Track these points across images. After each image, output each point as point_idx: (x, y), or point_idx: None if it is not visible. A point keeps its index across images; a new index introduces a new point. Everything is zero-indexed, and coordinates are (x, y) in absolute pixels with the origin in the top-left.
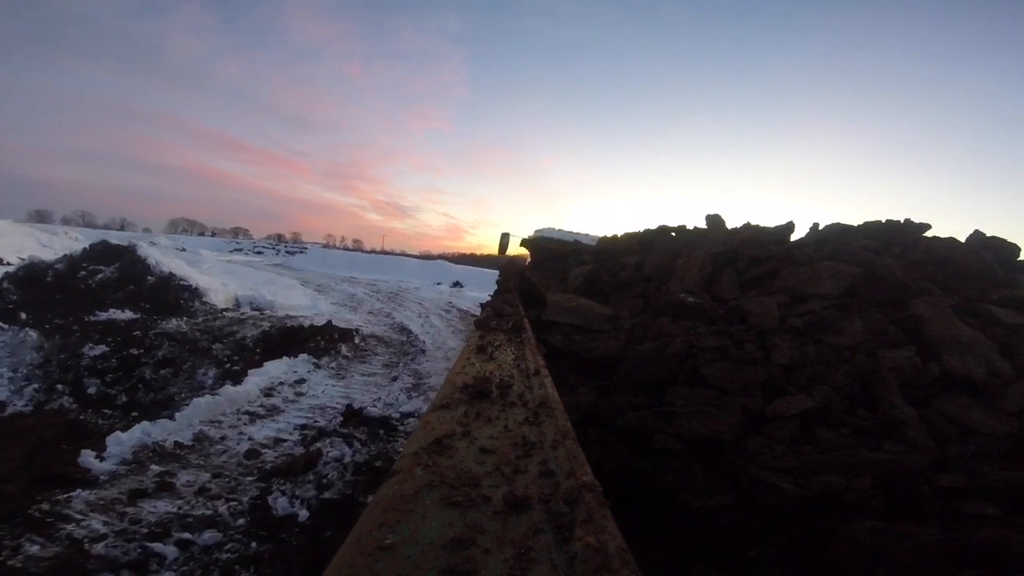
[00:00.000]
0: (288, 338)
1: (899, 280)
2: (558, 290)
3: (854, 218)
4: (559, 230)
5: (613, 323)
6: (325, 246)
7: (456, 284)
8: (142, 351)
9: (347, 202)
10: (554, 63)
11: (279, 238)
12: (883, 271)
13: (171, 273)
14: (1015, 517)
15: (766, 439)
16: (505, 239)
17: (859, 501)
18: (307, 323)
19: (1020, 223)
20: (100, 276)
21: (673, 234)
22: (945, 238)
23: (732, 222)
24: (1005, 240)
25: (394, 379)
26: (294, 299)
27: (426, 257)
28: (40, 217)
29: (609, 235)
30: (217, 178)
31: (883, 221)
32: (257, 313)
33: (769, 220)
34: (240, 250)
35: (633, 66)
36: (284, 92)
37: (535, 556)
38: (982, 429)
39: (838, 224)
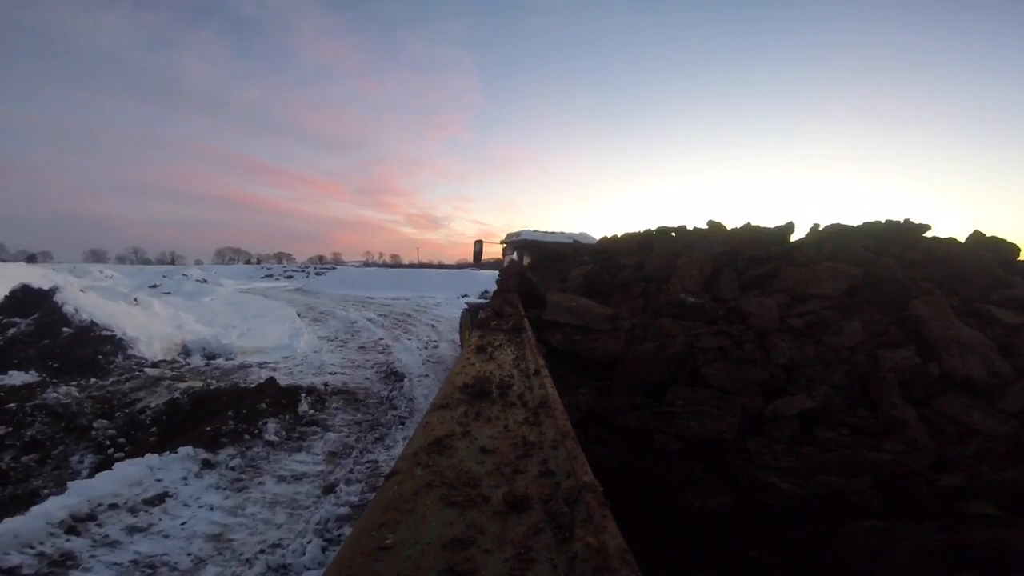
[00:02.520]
0: (202, 408)
1: (899, 280)
2: (558, 290)
3: (854, 218)
4: (537, 231)
5: (613, 323)
6: (365, 264)
7: (484, 294)
8: (10, 429)
9: (382, 218)
10: (564, 60)
11: (320, 259)
12: (883, 271)
13: (92, 322)
14: (1015, 517)
15: (766, 439)
16: (479, 246)
17: (859, 501)
18: (251, 380)
19: (1020, 223)
20: (13, 330)
21: (673, 234)
22: (945, 238)
23: (737, 222)
24: (1005, 240)
25: (329, 490)
26: (269, 338)
27: (461, 265)
28: (96, 256)
29: (608, 235)
30: (255, 204)
31: (883, 221)
32: (202, 364)
33: (769, 220)
34: (271, 275)
35: (638, 56)
36: (305, 114)
37: (535, 556)
38: (982, 429)
39: (838, 224)
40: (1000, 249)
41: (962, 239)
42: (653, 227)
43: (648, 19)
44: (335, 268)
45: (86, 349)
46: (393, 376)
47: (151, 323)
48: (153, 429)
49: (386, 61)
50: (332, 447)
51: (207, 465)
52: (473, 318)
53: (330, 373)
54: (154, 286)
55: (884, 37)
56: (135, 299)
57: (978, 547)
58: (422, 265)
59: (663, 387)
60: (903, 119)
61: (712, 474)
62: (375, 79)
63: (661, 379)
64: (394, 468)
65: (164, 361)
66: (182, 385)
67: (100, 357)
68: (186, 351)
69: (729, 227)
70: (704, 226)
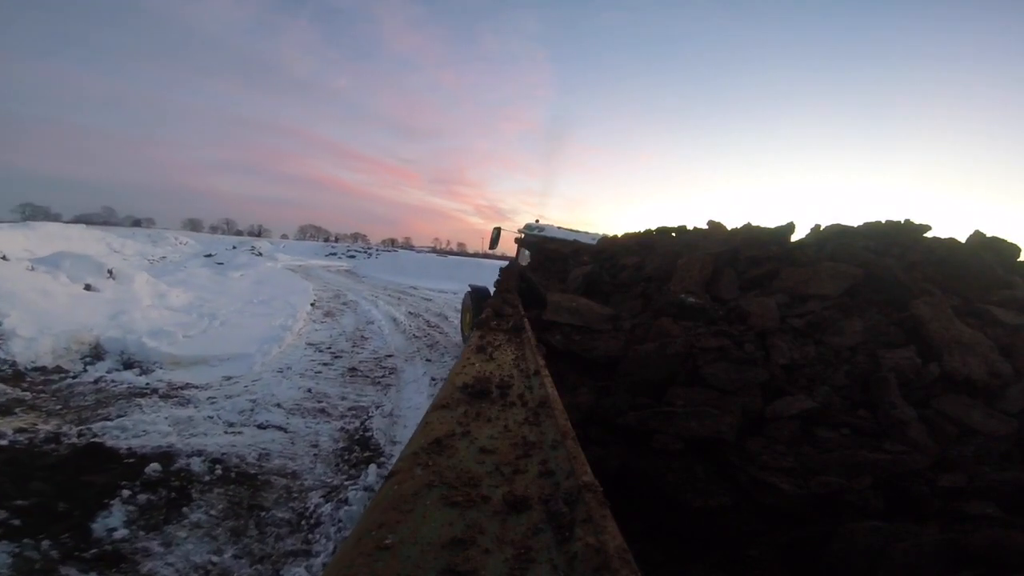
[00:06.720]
0: None
1: (899, 281)
2: (558, 290)
3: (855, 218)
4: (556, 227)
5: (613, 323)
6: (432, 250)
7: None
8: None
9: (452, 207)
10: (639, 58)
11: (392, 242)
12: (883, 272)
13: None
14: (1015, 517)
15: (766, 439)
16: (497, 232)
17: (859, 501)
18: (104, 430)
19: (1020, 223)
20: None
21: (673, 235)
22: (945, 238)
23: (737, 222)
24: (1005, 240)
25: None
26: (234, 342)
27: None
28: (192, 225)
29: (611, 234)
30: (337, 186)
31: (883, 222)
32: (91, 379)
33: (770, 221)
34: (334, 254)
35: (716, 55)
36: (388, 102)
37: (535, 556)
38: (982, 429)
39: (838, 225)
40: (1001, 249)
41: (962, 239)
42: (652, 229)
43: (737, 17)
44: (396, 252)
45: None
46: (359, 448)
47: (76, 308)
48: None
49: (463, 53)
50: None
51: None
52: (475, 300)
53: (259, 425)
54: (209, 255)
55: (886, 35)
56: (109, 271)
57: (978, 547)
58: (485, 255)
59: (663, 387)
60: (904, 119)
61: (712, 474)
62: (453, 70)
63: (661, 379)
64: (394, 468)
65: (39, 369)
66: None
67: None
68: (97, 353)
69: (729, 227)
70: (704, 226)
